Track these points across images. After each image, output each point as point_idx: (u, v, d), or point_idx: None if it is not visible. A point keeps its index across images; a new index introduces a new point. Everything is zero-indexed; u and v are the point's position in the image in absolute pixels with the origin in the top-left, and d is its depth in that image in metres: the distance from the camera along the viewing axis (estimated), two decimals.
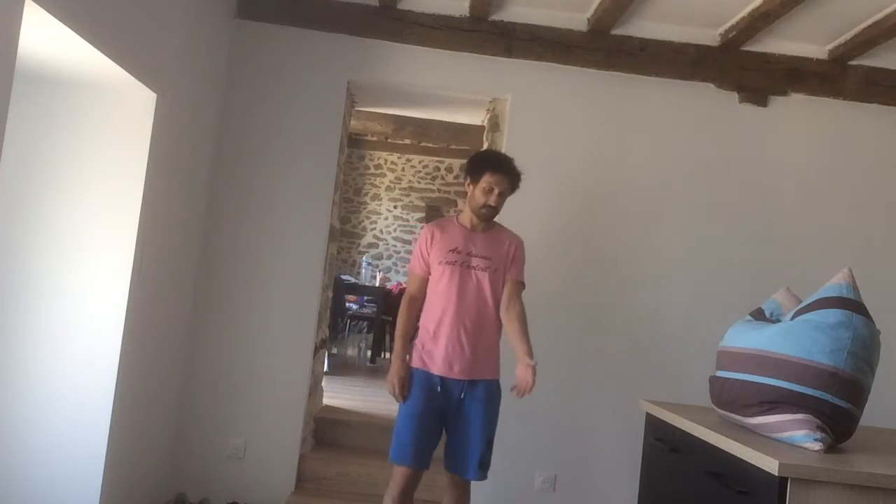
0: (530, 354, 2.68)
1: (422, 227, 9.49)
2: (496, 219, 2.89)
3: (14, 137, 2.59)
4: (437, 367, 2.73)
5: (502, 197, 2.81)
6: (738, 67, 3.67)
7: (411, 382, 2.76)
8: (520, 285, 2.86)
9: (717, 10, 3.44)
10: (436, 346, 2.75)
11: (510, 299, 2.80)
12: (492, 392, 2.79)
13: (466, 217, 2.88)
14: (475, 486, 2.85)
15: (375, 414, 4.42)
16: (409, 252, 9.70)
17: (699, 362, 3.01)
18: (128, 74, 2.59)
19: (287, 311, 3.60)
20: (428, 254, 2.85)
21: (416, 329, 2.85)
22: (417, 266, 2.89)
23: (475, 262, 2.79)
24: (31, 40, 2.27)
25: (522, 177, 2.85)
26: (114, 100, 2.78)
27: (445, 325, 2.75)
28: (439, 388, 2.73)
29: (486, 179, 2.77)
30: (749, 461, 1.77)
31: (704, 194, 3.68)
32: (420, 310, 2.87)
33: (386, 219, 9.54)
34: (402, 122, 6.02)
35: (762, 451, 1.74)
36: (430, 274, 2.85)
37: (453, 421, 2.76)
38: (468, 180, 2.84)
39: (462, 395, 2.73)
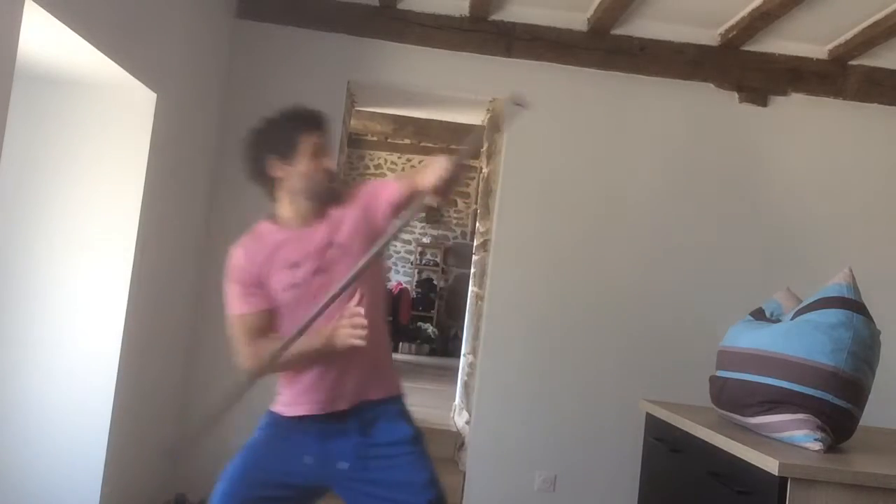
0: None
1: (416, 227, 9.25)
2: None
3: (14, 137, 2.57)
4: (315, 408, 1.93)
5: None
6: (738, 67, 3.66)
7: None
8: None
9: (717, 10, 3.44)
10: (304, 389, 1.94)
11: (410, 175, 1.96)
12: (404, 409, 1.97)
13: (292, 212, 1.93)
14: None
15: None
16: (409, 252, 9.67)
17: (699, 362, 3.01)
18: (128, 74, 2.58)
19: None
20: (258, 281, 1.88)
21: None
22: (247, 302, 1.88)
23: (332, 254, 1.87)
24: (31, 40, 2.26)
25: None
26: (114, 100, 2.78)
27: (315, 370, 1.90)
28: (311, 456, 1.96)
29: (306, 142, 1.89)
30: (749, 461, 1.77)
31: (704, 194, 3.68)
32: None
33: None
34: (402, 122, 6.01)
35: (762, 451, 1.74)
36: (276, 300, 1.88)
37: (356, 472, 1.89)
38: (273, 161, 1.89)
39: (362, 426, 1.90)
